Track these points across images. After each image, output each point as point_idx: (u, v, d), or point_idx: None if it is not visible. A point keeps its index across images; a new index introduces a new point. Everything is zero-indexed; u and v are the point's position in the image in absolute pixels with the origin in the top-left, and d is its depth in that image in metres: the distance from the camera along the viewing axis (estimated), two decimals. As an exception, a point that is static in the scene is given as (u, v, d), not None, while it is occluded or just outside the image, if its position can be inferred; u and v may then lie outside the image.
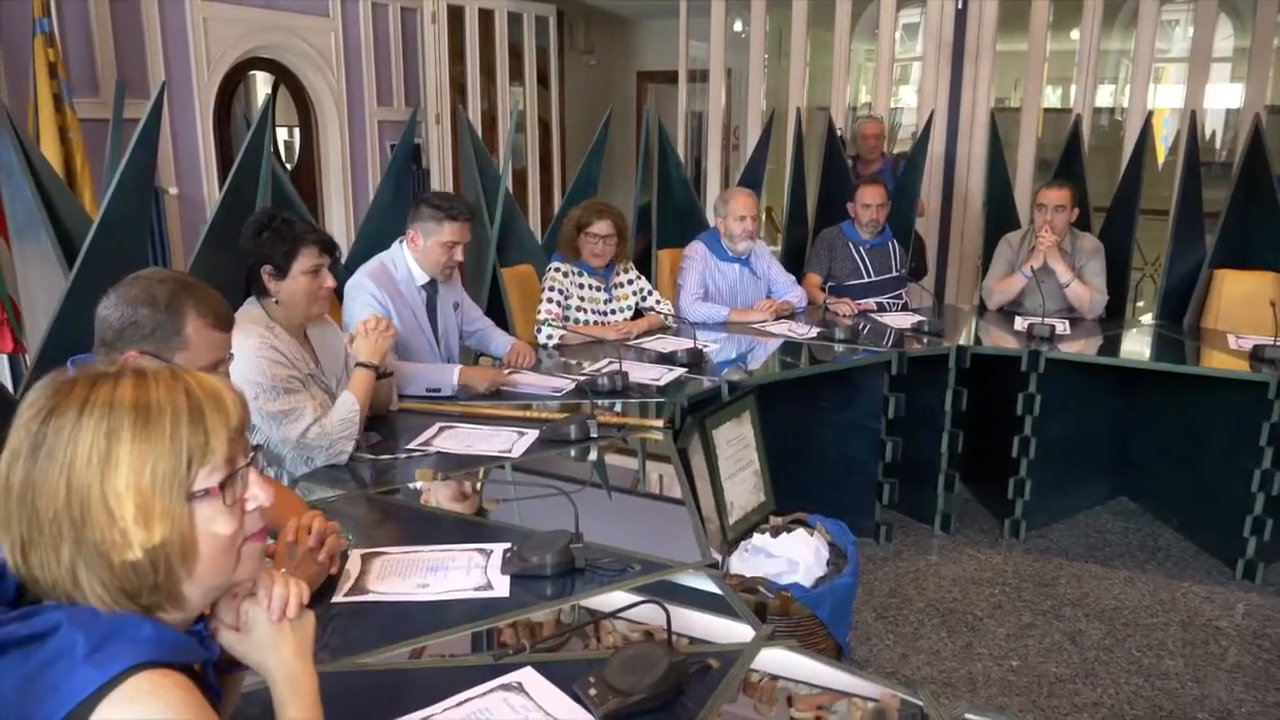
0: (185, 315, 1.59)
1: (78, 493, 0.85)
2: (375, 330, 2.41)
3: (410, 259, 2.94)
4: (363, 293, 2.82)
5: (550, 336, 3.44)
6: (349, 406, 2.28)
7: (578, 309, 3.60)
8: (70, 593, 0.87)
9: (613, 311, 3.65)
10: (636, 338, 3.55)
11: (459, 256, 2.94)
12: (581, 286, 3.62)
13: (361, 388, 2.34)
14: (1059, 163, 4.56)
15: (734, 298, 4.02)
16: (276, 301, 2.31)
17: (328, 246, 2.36)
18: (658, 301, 3.78)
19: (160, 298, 1.58)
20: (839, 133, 5.33)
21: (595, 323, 3.60)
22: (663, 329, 3.69)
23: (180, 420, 0.89)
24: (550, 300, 3.52)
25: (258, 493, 0.95)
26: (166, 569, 0.88)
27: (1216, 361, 3.51)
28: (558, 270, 3.59)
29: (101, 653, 0.83)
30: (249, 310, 2.32)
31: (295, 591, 1.04)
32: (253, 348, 2.19)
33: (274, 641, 1.01)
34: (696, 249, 4.03)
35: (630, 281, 3.75)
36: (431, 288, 3.00)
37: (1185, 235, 4.26)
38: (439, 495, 2.12)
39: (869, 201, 4.21)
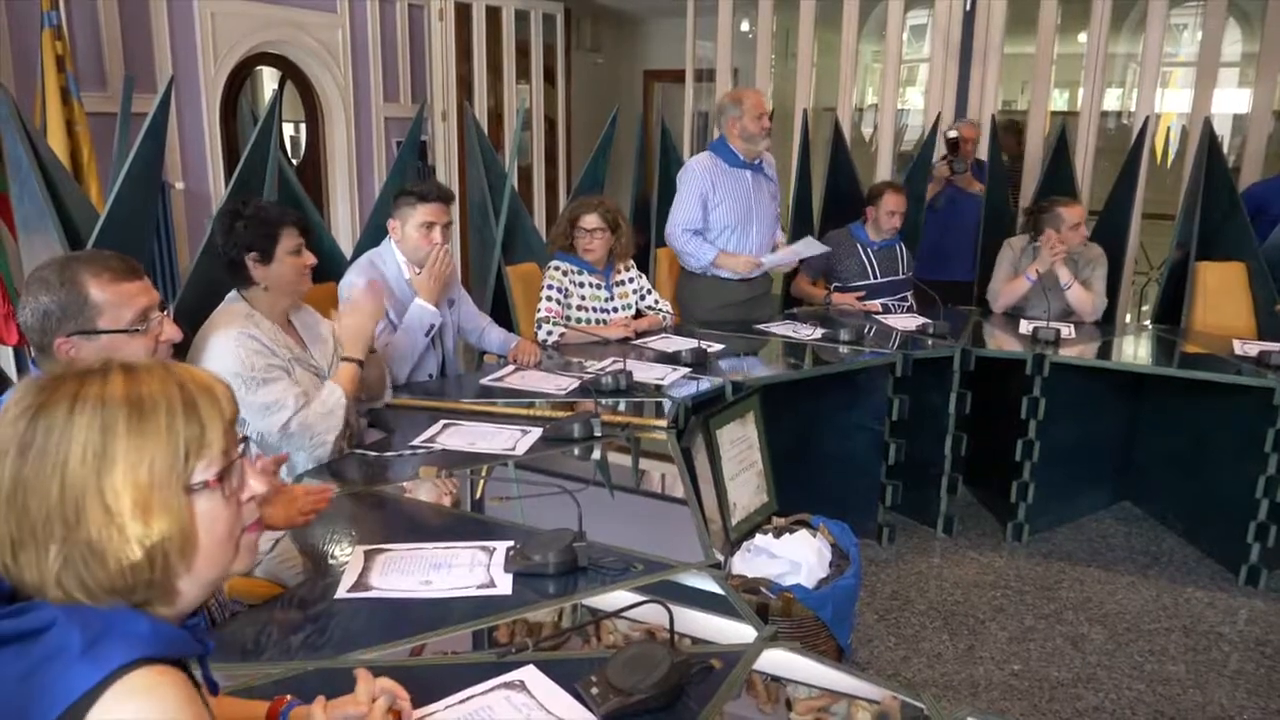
0: (82, 282, 1.58)
1: (72, 490, 0.83)
2: (357, 304, 2.45)
3: (397, 254, 2.95)
4: (355, 291, 2.81)
5: (549, 334, 3.42)
6: (334, 399, 2.27)
7: (579, 308, 3.56)
8: (59, 591, 0.85)
9: (615, 310, 3.60)
10: (638, 337, 3.51)
11: (438, 238, 2.91)
12: (582, 285, 3.58)
13: (347, 381, 2.33)
14: (1045, 167, 4.54)
15: (748, 210, 3.83)
16: (265, 288, 2.31)
17: (304, 226, 2.38)
18: (656, 301, 3.73)
19: (53, 279, 1.58)
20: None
21: (597, 321, 3.55)
22: (661, 329, 3.64)
23: (175, 413, 0.87)
24: (549, 298, 3.48)
25: (253, 484, 0.94)
26: (164, 565, 0.87)
27: (1221, 367, 3.51)
28: (557, 269, 3.55)
29: (97, 649, 0.81)
30: (230, 306, 2.31)
31: None
32: (231, 339, 2.19)
33: None
34: (700, 161, 3.78)
35: (631, 280, 3.70)
36: None
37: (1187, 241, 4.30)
38: (425, 494, 2.12)
39: (893, 209, 4.19)
